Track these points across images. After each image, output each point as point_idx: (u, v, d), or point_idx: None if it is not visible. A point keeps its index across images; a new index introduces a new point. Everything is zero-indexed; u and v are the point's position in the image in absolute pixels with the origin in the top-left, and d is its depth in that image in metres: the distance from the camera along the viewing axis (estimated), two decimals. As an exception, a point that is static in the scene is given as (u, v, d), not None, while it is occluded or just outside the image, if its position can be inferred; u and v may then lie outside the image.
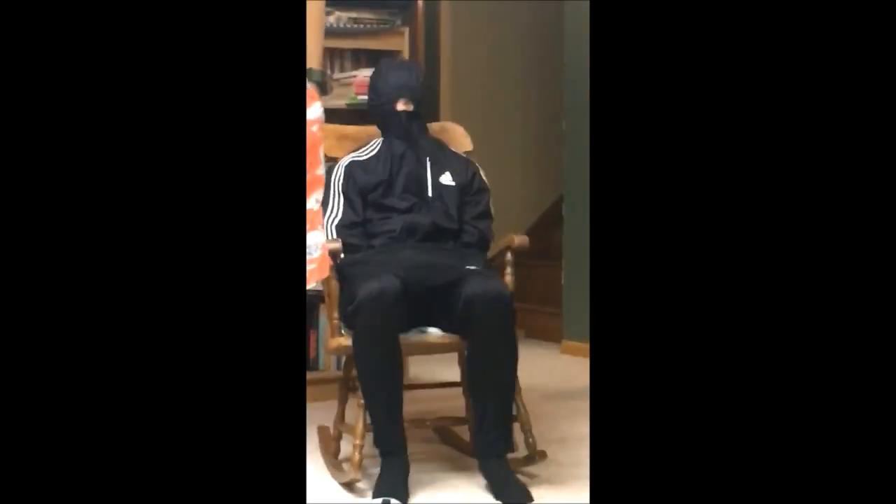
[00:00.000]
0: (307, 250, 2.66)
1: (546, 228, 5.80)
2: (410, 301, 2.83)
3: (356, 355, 2.83)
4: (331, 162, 3.10)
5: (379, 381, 2.81)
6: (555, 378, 4.27)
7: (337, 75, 4.02)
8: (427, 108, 3.44)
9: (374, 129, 3.34)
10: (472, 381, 2.89)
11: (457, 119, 5.29)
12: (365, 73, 3.90)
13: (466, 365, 2.87)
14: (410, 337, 2.89)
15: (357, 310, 2.75)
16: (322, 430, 3.31)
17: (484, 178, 3.27)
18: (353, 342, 2.81)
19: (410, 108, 3.19)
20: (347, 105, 3.92)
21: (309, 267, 2.64)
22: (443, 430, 3.42)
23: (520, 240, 3.11)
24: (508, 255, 3.13)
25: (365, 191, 3.12)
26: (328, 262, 2.75)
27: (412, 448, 2.92)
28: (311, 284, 2.74)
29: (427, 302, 2.88)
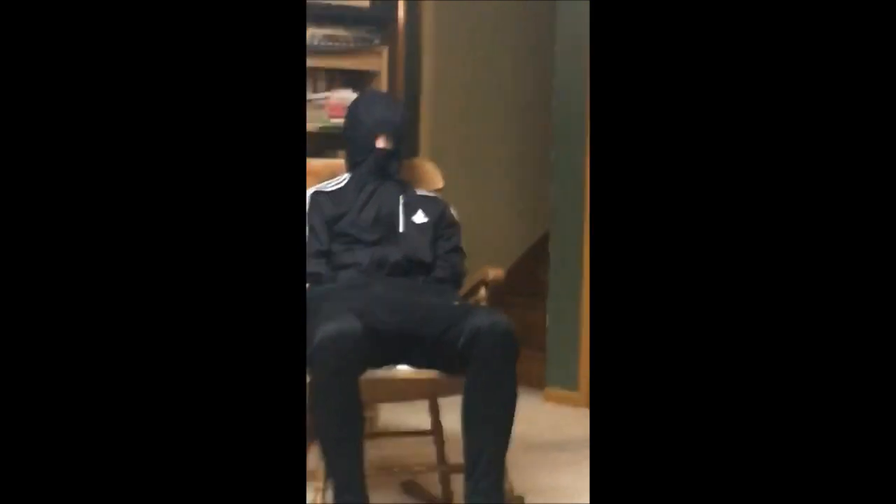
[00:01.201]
0: None
1: (531, 266, 5.65)
2: (382, 342, 2.73)
3: (314, 406, 2.67)
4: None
5: (338, 433, 2.66)
6: (536, 427, 4.13)
7: (310, 96, 3.88)
8: (407, 142, 3.34)
9: (339, 163, 3.30)
10: (470, 422, 2.73)
11: (438, 148, 5.35)
12: (340, 95, 3.84)
13: (464, 404, 2.72)
14: (377, 374, 2.74)
15: (313, 355, 2.59)
16: None
17: (454, 213, 3.21)
18: (310, 391, 2.65)
19: (390, 146, 3.13)
20: (321, 129, 3.78)
21: None
22: (410, 484, 3.29)
23: (494, 273, 3.01)
24: (482, 291, 3.04)
25: (331, 221, 3.05)
26: None
27: (378, 499, 2.80)
28: None
29: (403, 343, 2.77)
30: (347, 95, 3.78)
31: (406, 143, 3.26)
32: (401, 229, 3.08)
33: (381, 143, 3.11)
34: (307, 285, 2.88)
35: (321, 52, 3.81)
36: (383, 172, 3.11)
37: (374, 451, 2.79)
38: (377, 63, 3.93)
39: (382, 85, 3.94)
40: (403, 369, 2.79)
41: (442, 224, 3.14)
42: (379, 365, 2.75)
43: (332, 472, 2.66)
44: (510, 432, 2.75)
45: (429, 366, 2.79)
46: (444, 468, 3.07)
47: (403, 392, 2.99)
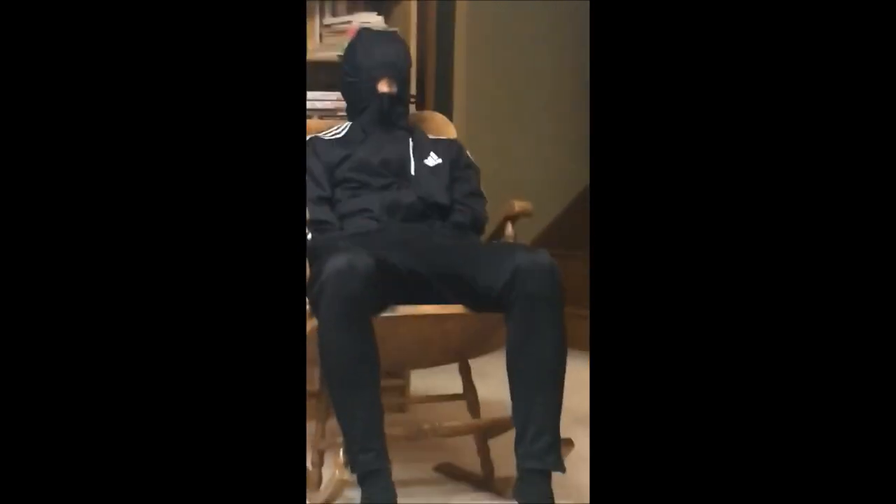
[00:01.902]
0: None
1: (573, 218, 5.67)
2: (401, 281, 2.58)
3: (319, 348, 2.50)
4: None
5: (350, 380, 2.47)
6: (582, 396, 3.95)
7: (329, 20, 3.62)
8: (441, 90, 3.31)
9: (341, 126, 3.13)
10: (516, 374, 2.56)
11: (473, 93, 5.25)
12: (363, 20, 3.57)
13: (508, 356, 2.57)
14: (394, 310, 2.55)
15: (321, 289, 2.43)
16: None
17: (469, 156, 3.10)
18: (318, 330, 2.49)
19: (394, 90, 2.99)
20: (339, 56, 3.38)
21: None
22: (444, 467, 3.10)
23: (521, 205, 2.93)
24: (510, 228, 2.94)
25: (331, 165, 2.92)
26: None
27: (409, 473, 2.78)
28: None
29: (425, 283, 2.62)
30: (372, 19, 3.58)
31: (408, 89, 3.13)
32: (412, 172, 2.95)
33: (383, 88, 2.97)
34: (309, 235, 2.78)
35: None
36: (388, 120, 2.98)
37: (405, 417, 2.75)
38: None
39: (411, 9, 3.61)
40: (426, 307, 2.59)
41: (458, 166, 3.02)
42: (396, 304, 2.57)
43: (343, 425, 2.46)
44: (562, 383, 2.57)
45: (455, 303, 2.61)
46: (482, 425, 2.86)
47: (426, 338, 2.75)
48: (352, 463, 2.44)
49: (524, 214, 2.92)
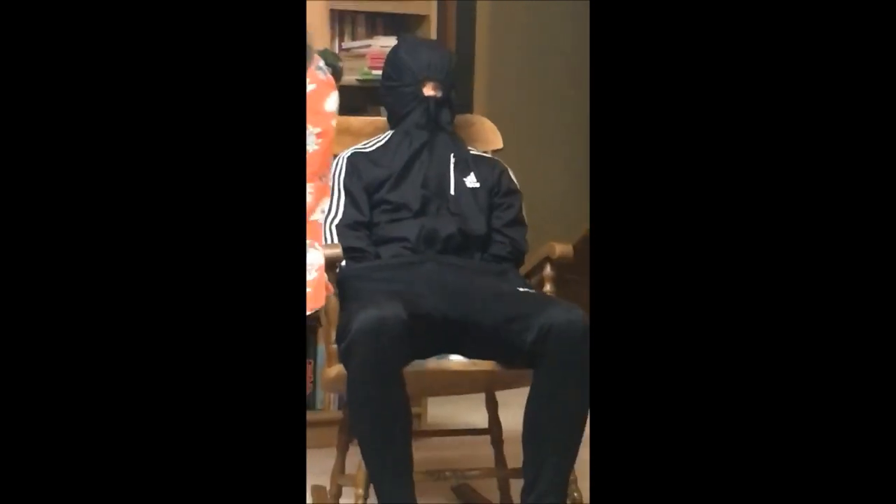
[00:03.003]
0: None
1: None
2: (432, 329, 2.64)
3: (350, 405, 2.62)
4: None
5: (381, 436, 2.56)
6: None
7: (347, 44, 3.75)
8: (459, 98, 3.23)
9: (383, 121, 3.18)
10: (533, 430, 2.64)
11: (494, 108, 5.10)
12: (382, 43, 3.66)
13: (528, 409, 2.65)
14: (424, 364, 2.64)
15: (349, 347, 2.50)
16: (317, 492, 3.09)
17: (514, 178, 3.11)
18: (347, 387, 2.58)
19: (440, 94, 2.99)
20: (359, 81, 3.63)
21: None
22: (463, 488, 3.22)
23: (562, 249, 2.92)
24: (548, 269, 2.94)
25: (371, 186, 2.93)
26: (324, 288, 2.71)
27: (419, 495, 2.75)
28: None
29: (456, 331, 2.69)
30: (389, 43, 3.58)
31: (456, 95, 3.12)
32: (452, 192, 2.94)
33: (429, 91, 2.96)
34: (343, 262, 2.78)
35: (359, -7, 3.73)
36: (435, 124, 2.96)
37: (420, 453, 2.70)
38: (425, 6, 3.75)
39: (431, 32, 3.73)
40: (456, 360, 2.69)
41: (499, 191, 3.02)
42: (427, 355, 2.65)
43: (374, 480, 2.57)
44: (578, 446, 2.63)
45: (486, 357, 2.69)
46: (504, 473, 2.97)
47: (455, 386, 2.90)
48: None
49: (564, 259, 2.93)
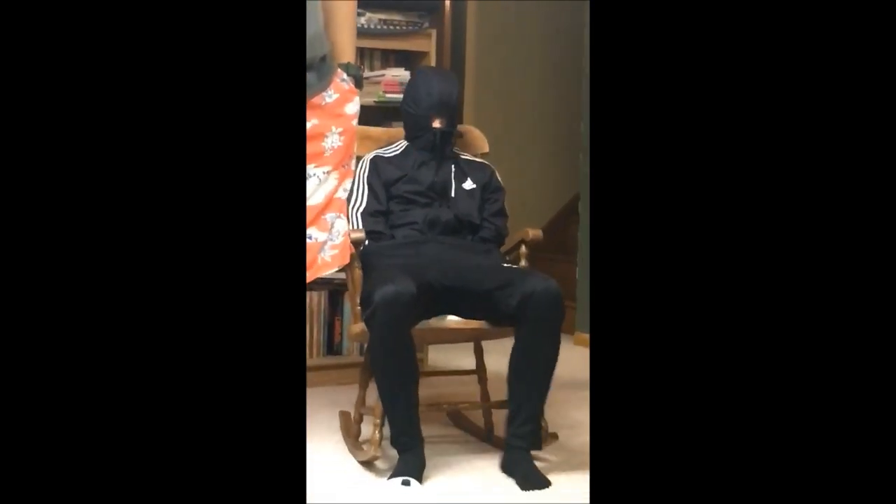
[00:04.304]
0: (332, 236, 2.80)
1: (562, 224, 5.77)
2: (435, 296, 2.80)
3: (372, 359, 2.78)
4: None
5: (394, 382, 2.75)
6: (567, 368, 3.94)
7: (367, 73, 3.99)
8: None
9: (397, 132, 3.32)
10: (516, 374, 2.80)
11: (480, 117, 5.41)
12: (394, 73, 3.97)
13: (512, 358, 2.80)
14: (428, 323, 2.83)
15: (372, 314, 2.69)
16: (344, 416, 3.32)
17: (499, 178, 3.25)
18: (370, 345, 2.77)
19: (445, 126, 3.13)
20: (376, 102, 3.94)
21: (332, 252, 2.81)
22: (456, 415, 3.41)
23: (534, 233, 3.10)
24: (523, 248, 3.12)
25: (388, 183, 3.09)
26: (349, 248, 2.82)
27: (428, 431, 2.87)
28: (333, 269, 2.87)
29: (454, 297, 2.84)
30: (400, 73, 3.96)
31: (457, 121, 3.27)
32: (452, 194, 3.12)
33: (437, 124, 3.11)
34: (366, 241, 2.96)
35: (376, 34, 3.93)
36: (439, 152, 3.12)
37: (423, 390, 2.79)
38: (426, 44, 4.04)
39: (430, 63, 3.99)
40: (452, 319, 2.86)
41: (489, 189, 3.17)
42: (430, 316, 2.83)
43: (389, 415, 2.77)
44: (549, 386, 2.81)
45: (477, 317, 2.85)
46: (487, 405, 3.15)
47: (452, 337, 3.12)
48: (394, 441, 2.77)
49: (535, 241, 3.10)
